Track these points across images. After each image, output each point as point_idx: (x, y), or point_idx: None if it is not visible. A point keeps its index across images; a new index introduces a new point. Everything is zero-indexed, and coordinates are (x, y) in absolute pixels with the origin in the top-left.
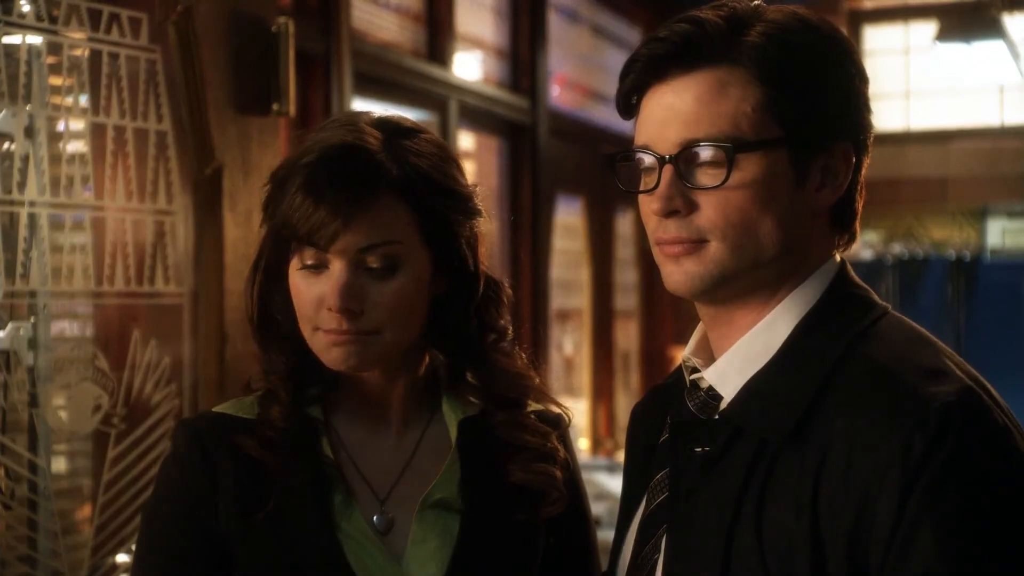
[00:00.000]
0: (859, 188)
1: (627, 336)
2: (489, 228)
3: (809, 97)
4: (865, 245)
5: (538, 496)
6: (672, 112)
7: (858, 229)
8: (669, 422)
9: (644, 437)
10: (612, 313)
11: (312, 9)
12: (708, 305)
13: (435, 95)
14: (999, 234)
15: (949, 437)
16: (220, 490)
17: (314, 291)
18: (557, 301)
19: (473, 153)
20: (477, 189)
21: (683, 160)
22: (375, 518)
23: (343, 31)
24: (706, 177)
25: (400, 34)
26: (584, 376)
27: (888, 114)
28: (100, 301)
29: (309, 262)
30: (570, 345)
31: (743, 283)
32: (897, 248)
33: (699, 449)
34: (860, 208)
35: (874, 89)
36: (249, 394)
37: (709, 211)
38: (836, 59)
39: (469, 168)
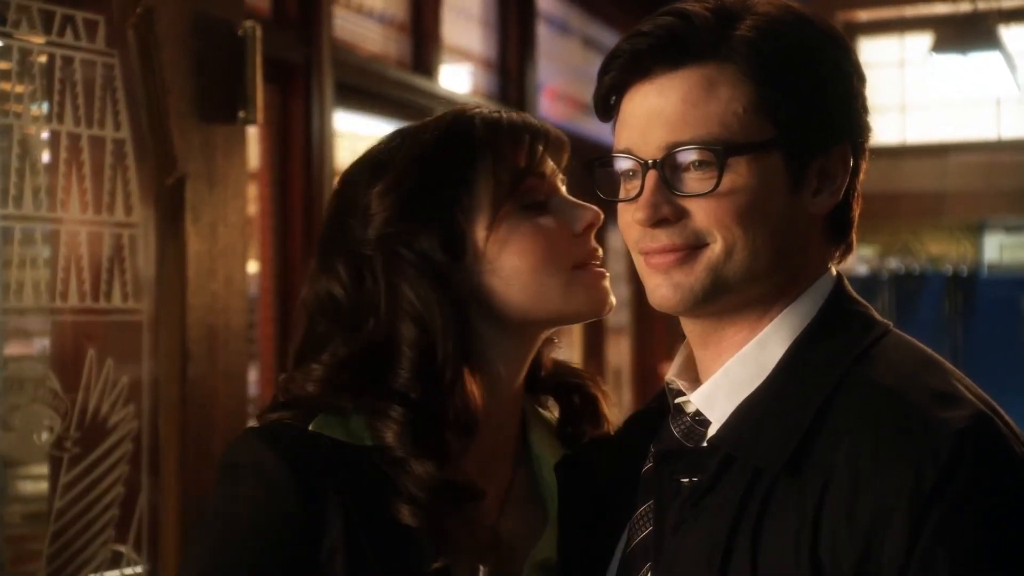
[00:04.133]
0: (856, 195)
1: (619, 352)
2: None
3: (804, 96)
4: (861, 260)
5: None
6: (656, 113)
7: (855, 239)
8: (653, 450)
9: (627, 464)
10: (603, 329)
11: (291, 18)
12: (695, 322)
13: (420, 107)
14: (997, 249)
15: (962, 468)
16: (327, 531)
17: None
18: None
19: None
20: None
21: (669, 165)
22: (480, 570)
23: (324, 40)
24: (694, 182)
25: (385, 44)
26: None
27: (884, 127)
28: (54, 318)
29: None
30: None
31: (735, 297)
32: (893, 263)
33: (686, 480)
34: (856, 216)
35: (869, 102)
36: (296, 407)
37: (701, 216)
38: (832, 55)
39: None
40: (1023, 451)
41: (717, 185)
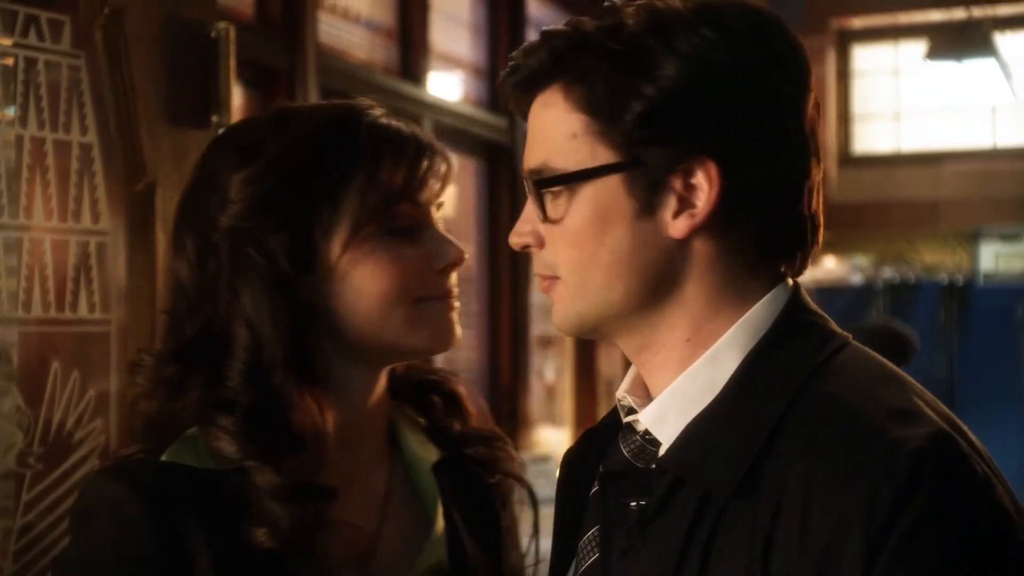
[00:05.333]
0: (778, 209)
1: (610, 362)
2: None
3: (632, 109)
4: (855, 269)
5: (514, 537)
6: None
7: (809, 250)
8: (600, 471)
9: (576, 487)
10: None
11: (275, 23)
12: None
13: (408, 113)
14: (992, 258)
15: (921, 489)
16: (193, 567)
17: None
18: (538, 327)
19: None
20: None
21: (530, 191)
22: None
23: (308, 46)
24: (544, 210)
25: (372, 50)
26: (566, 403)
27: (878, 135)
28: (17, 329)
29: None
30: (552, 372)
31: (615, 325)
32: (888, 272)
33: (634, 503)
34: (803, 226)
35: (864, 110)
36: (157, 431)
37: (549, 246)
38: (684, 58)
39: (447, 190)
40: (985, 471)
41: (543, 215)
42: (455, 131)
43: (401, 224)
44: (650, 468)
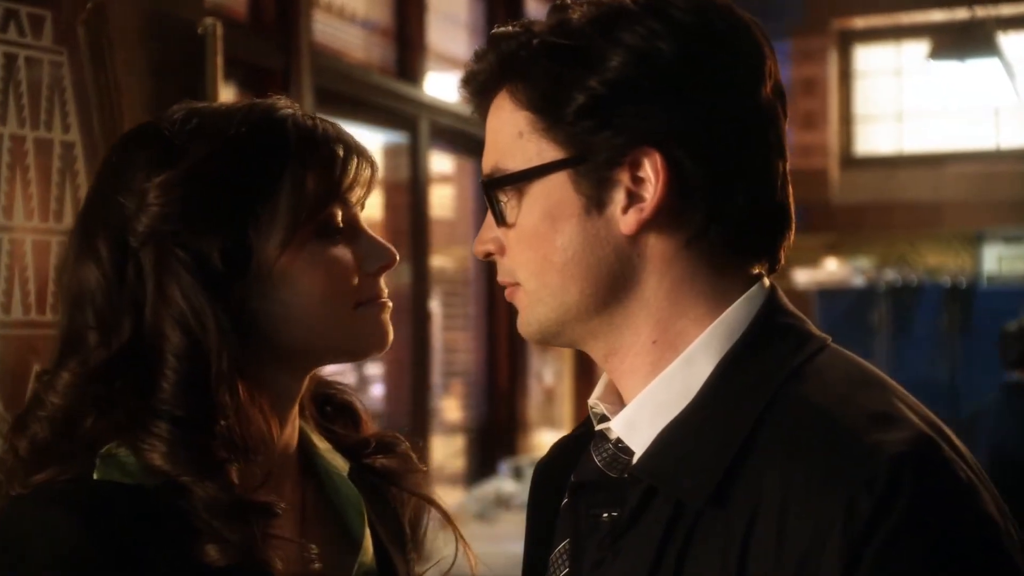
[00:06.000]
0: (735, 201)
1: None
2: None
3: (575, 101)
4: (857, 271)
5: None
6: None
7: (782, 252)
8: (571, 481)
9: (548, 499)
10: None
11: (269, 22)
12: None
13: (405, 114)
14: (995, 260)
15: (901, 496)
16: None
17: None
18: None
19: (450, 176)
20: None
21: (486, 196)
22: None
23: (302, 45)
24: (498, 215)
25: (368, 50)
26: (565, 407)
27: (880, 136)
28: None
29: None
30: (551, 375)
31: (579, 330)
32: (890, 275)
33: (605, 515)
34: (766, 224)
35: (866, 111)
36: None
37: (508, 252)
38: (622, 39)
39: (445, 192)
40: (970, 476)
41: (499, 218)
42: (453, 132)
43: (333, 224)
44: (622, 477)
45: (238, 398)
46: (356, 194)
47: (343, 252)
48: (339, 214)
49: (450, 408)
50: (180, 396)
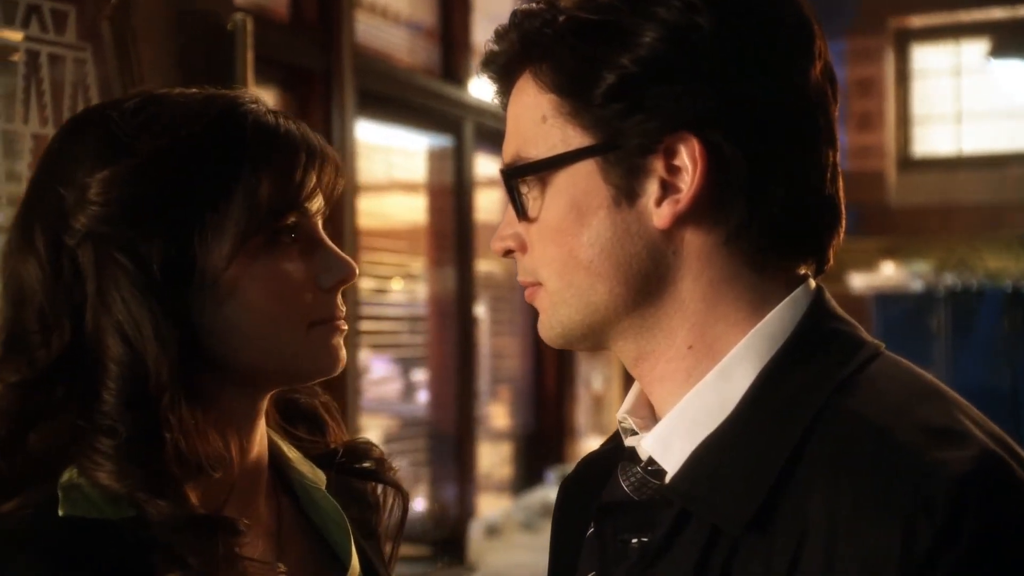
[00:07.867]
0: (780, 193)
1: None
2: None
3: (604, 81)
4: (915, 276)
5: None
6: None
7: (830, 251)
8: (597, 506)
9: (573, 521)
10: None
11: (311, 22)
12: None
13: (449, 116)
14: None
15: (966, 524)
16: None
17: None
18: None
19: (496, 179)
20: None
21: (506, 188)
22: None
23: (344, 46)
24: (519, 208)
25: (412, 51)
26: (614, 414)
27: (939, 138)
28: None
29: None
30: (599, 381)
31: (608, 332)
32: (949, 279)
33: (635, 540)
34: (813, 219)
35: (924, 111)
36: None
37: (530, 249)
38: (656, 14)
39: (491, 195)
40: None
41: (520, 212)
42: (498, 134)
43: (290, 235)
44: (654, 499)
45: (180, 413)
46: (316, 203)
47: (297, 266)
48: (298, 224)
49: (497, 415)
50: (122, 409)
